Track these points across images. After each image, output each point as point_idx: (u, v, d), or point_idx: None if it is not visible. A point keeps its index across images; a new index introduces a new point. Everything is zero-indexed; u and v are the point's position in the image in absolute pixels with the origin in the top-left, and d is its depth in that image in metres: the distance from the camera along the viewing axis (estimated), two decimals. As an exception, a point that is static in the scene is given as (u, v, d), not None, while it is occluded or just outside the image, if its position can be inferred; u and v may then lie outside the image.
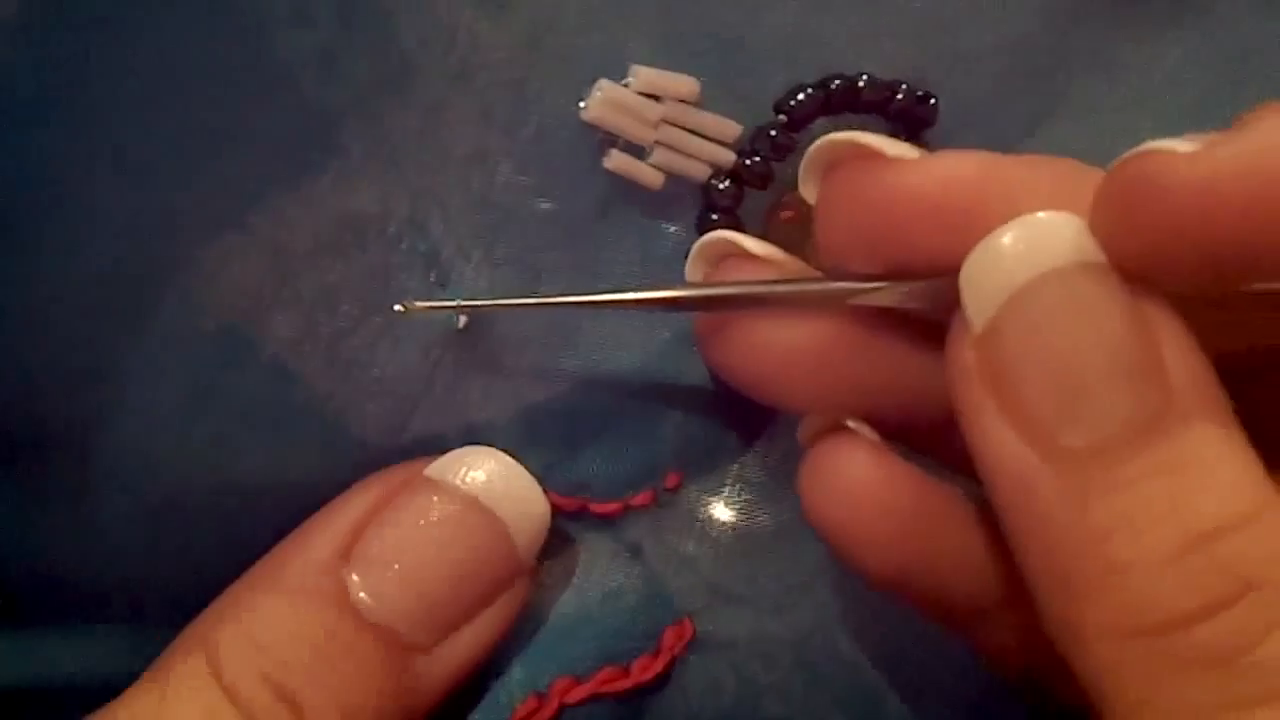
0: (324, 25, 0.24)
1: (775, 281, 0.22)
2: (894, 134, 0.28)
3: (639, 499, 0.28)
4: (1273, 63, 0.29)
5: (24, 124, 0.23)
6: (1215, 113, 0.28)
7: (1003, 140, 0.28)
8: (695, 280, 0.24)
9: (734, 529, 0.28)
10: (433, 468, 0.24)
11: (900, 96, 0.27)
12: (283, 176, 0.24)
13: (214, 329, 0.25)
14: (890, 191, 0.20)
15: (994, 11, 0.28)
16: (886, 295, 0.21)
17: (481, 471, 0.24)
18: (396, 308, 0.24)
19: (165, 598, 0.24)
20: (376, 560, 0.23)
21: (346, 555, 0.23)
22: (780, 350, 0.22)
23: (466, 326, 0.26)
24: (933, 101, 0.28)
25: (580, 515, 0.27)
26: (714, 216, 0.27)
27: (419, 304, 0.24)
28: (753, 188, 0.27)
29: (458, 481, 0.24)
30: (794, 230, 0.28)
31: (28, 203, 0.23)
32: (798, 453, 0.28)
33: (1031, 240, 0.18)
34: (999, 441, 0.18)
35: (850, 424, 0.22)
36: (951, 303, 0.20)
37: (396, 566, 0.23)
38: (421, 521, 0.23)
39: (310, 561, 0.23)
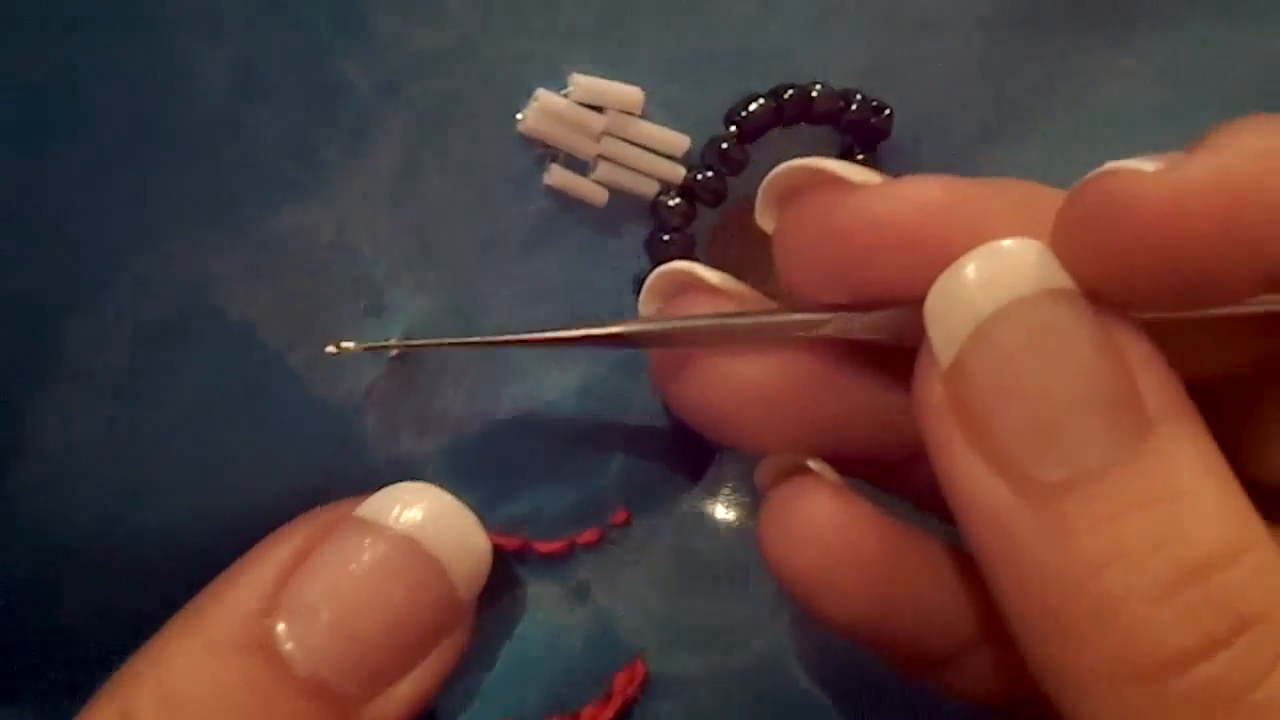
0: (240, 36, 0.22)
1: (734, 315, 0.21)
2: (848, 146, 0.27)
3: (585, 536, 0.26)
4: (1226, 74, 0.29)
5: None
6: (1170, 124, 0.28)
7: (956, 152, 0.28)
8: (649, 314, 0.23)
9: (683, 564, 0.27)
10: (363, 507, 0.23)
11: (854, 107, 0.26)
12: (200, 198, 0.22)
13: (126, 365, 0.23)
14: (855, 219, 0.19)
15: (947, 20, 0.27)
16: (850, 325, 0.20)
17: (416, 509, 0.22)
18: (329, 349, 0.23)
19: (71, 657, 0.23)
20: (305, 608, 0.21)
21: (272, 603, 0.22)
22: (741, 387, 0.21)
23: (400, 355, 0.24)
24: (887, 113, 0.27)
25: (523, 554, 0.26)
26: (665, 237, 0.25)
27: (350, 345, 0.23)
28: (705, 205, 0.25)
29: (390, 521, 0.22)
30: (747, 250, 0.26)
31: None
32: (748, 486, 0.27)
33: (995, 269, 0.18)
34: (971, 478, 0.18)
35: (812, 465, 0.21)
36: (917, 332, 0.19)
37: (326, 614, 0.21)
38: (353, 565, 0.22)
39: (233, 611, 0.22)
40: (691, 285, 0.22)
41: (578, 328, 0.22)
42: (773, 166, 0.25)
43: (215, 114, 0.22)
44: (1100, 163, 0.17)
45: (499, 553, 0.24)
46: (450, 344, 0.24)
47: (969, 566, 0.21)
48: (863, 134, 0.27)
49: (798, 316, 0.21)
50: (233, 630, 0.21)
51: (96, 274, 0.22)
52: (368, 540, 0.22)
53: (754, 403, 0.21)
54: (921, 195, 0.19)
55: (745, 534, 0.27)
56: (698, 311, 0.22)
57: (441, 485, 0.23)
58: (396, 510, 0.22)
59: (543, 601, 0.26)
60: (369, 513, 0.23)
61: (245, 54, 0.22)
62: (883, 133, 0.27)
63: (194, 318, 0.23)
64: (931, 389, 0.18)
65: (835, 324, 0.20)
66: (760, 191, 0.21)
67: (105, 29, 0.22)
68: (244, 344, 0.23)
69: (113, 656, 0.22)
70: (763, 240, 0.26)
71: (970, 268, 0.18)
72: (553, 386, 0.25)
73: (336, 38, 0.23)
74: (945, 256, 0.18)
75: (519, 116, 0.24)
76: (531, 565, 0.26)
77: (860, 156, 0.27)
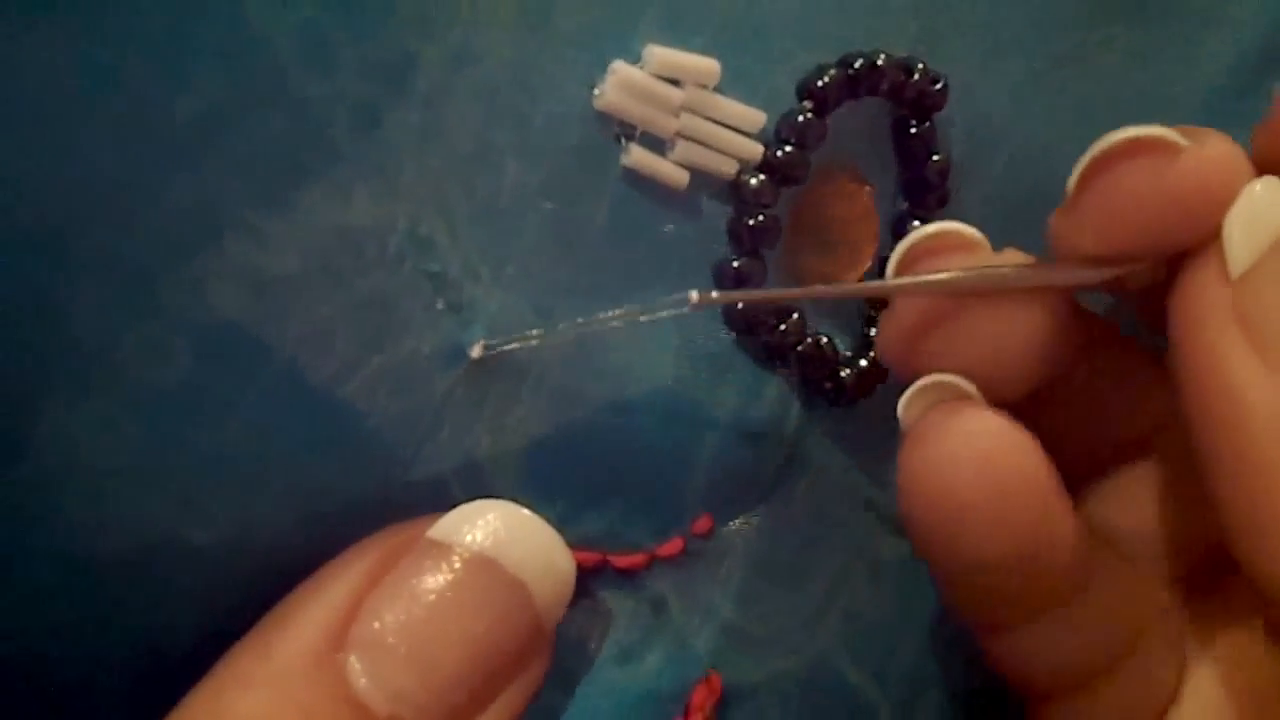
0: (304, 7, 0.19)
1: (1035, 267, 0.21)
2: (903, 118, 0.26)
3: (666, 548, 0.25)
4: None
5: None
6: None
7: (987, 115, 0.27)
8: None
9: (756, 570, 0.26)
10: (438, 527, 0.21)
11: (915, 78, 0.25)
12: (262, 188, 0.20)
13: (178, 378, 0.20)
14: (1186, 180, 0.20)
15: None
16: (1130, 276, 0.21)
17: (495, 528, 0.20)
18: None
19: (116, 691, 0.20)
20: (379, 640, 0.19)
21: (342, 636, 0.19)
22: (1011, 338, 0.21)
23: (479, 359, 0.22)
24: (941, 84, 0.26)
25: (600, 570, 0.24)
26: (750, 221, 0.23)
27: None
28: (789, 184, 0.24)
29: (468, 541, 0.20)
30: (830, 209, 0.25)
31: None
32: (825, 481, 0.26)
33: None
34: (1245, 382, 0.19)
35: (967, 388, 0.21)
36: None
37: (403, 647, 0.19)
38: (431, 591, 0.20)
39: (299, 645, 0.19)
40: (948, 245, 0.22)
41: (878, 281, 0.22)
42: (833, 136, 0.25)
43: (280, 90, 0.20)
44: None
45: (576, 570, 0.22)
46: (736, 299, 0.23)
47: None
48: (918, 105, 0.26)
49: (1080, 273, 0.21)
50: (302, 664, 0.19)
51: (147, 276, 0.19)
52: (444, 563, 0.20)
53: (1013, 354, 0.21)
54: (1229, 147, 0.20)
55: (813, 531, 0.26)
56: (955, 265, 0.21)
57: (518, 498, 0.21)
58: (474, 529, 0.20)
59: (618, 615, 0.24)
60: (444, 533, 0.20)
61: (312, 20, 0.19)
62: (937, 105, 0.26)
63: (258, 323, 0.20)
64: (1215, 293, 0.19)
65: (1113, 276, 0.21)
66: (1084, 161, 0.21)
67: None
68: (312, 353, 0.20)
69: (159, 690, 0.19)
70: (846, 225, 0.25)
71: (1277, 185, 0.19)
72: (636, 392, 0.23)
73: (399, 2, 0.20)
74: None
75: (595, 91, 0.22)
76: (607, 577, 0.24)
77: (914, 130, 0.26)
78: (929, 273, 0.21)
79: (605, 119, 0.22)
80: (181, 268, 0.19)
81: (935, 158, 0.26)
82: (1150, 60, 0.28)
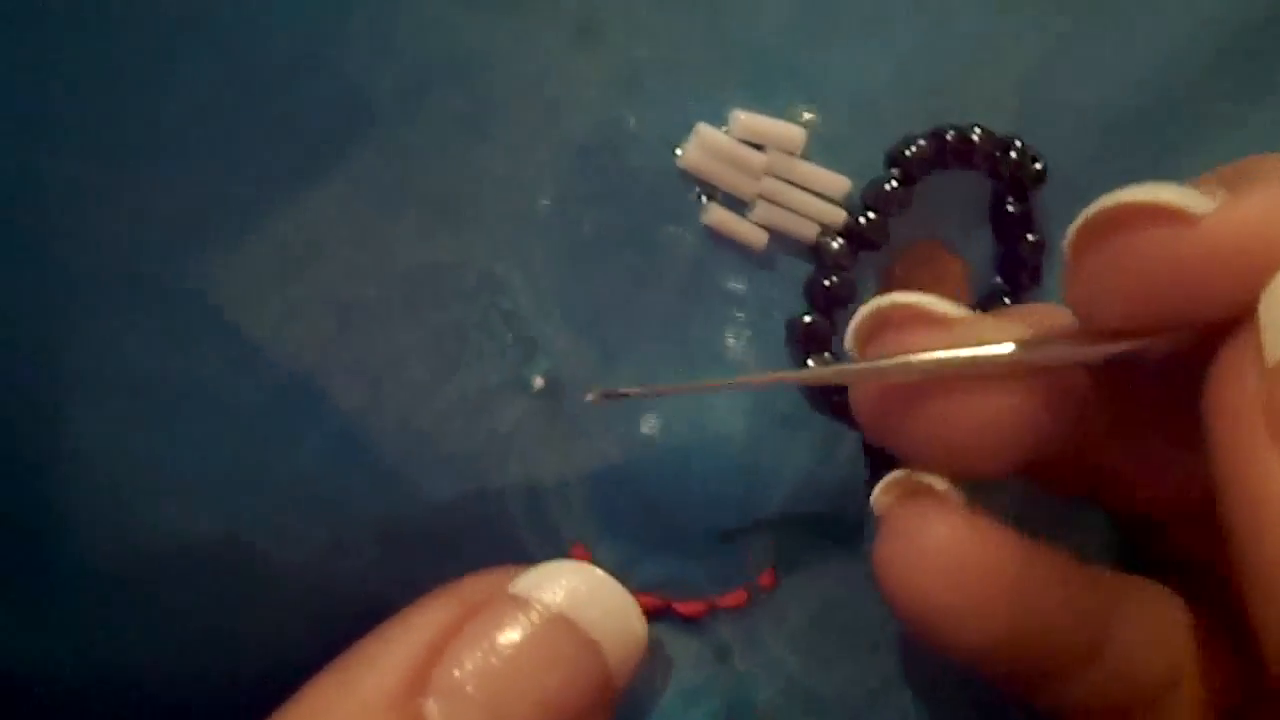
0: (406, 53, 0.21)
1: (1025, 345, 0.20)
2: (1000, 197, 0.26)
3: (729, 599, 0.25)
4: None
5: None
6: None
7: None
8: (854, 349, 0.22)
9: (824, 627, 0.26)
10: (519, 583, 0.21)
11: (1014, 155, 0.25)
12: (352, 223, 0.21)
13: (263, 400, 0.21)
14: (1199, 249, 0.18)
15: (1105, 64, 0.26)
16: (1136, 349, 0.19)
17: (575, 588, 0.21)
18: (589, 398, 0.22)
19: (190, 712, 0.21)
20: (458, 688, 0.20)
21: (422, 680, 0.20)
22: (990, 418, 0.20)
23: (542, 390, 0.23)
24: (1041, 166, 0.26)
25: (663, 615, 0.24)
26: (826, 281, 0.24)
27: (603, 392, 0.22)
28: (868, 248, 0.24)
29: (548, 600, 0.21)
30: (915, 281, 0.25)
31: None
32: None
33: None
34: (1272, 479, 0.17)
35: (935, 484, 0.21)
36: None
37: (481, 696, 0.20)
38: (509, 644, 0.20)
39: (380, 685, 0.20)
40: (911, 316, 0.21)
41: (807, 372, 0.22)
42: (925, 208, 0.25)
43: (373, 133, 0.21)
44: None
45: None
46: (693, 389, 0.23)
47: (1095, 577, 0.21)
48: (1016, 183, 0.26)
49: (1084, 349, 0.20)
50: (382, 703, 0.20)
51: (234, 302, 0.21)
52: (523, 618, 0.21)
53: (997, 432, 0.20)
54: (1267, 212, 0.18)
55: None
56: (920, 343, 0.21)
57: (582, 539, 0.23)
58: (554, 588, 0.21)
59: (680, 662, 0.24)
60: (525, 589, 0.21)
61: (409, 72, 0.21)
62: (1035, 184, 0.26)
63: (340, 349, 0.21)
64: (1244, 383, 0.17)
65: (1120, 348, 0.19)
66: (1081, 221, 0.19)
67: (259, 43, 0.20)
68: (390, 379, 0.22)
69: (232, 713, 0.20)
70: (927, 287, 0.25)
71: None
72: (707, 439, 0.24)
73: (504, 53, 0.22)
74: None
75: (678, 151, 0.23)
76: (670, 621, 0.24)
77: (1012, 208, 0.26)
78: (887, 356, 0.21)
79: (688, 177, 0.23)
80: (272, 296, 0.21)
81: (1031, 237, 0.26)
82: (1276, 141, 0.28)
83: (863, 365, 0.21)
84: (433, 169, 0.22)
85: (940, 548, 0.20)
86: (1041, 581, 0.20)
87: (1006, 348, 0.20)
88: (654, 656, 0.24)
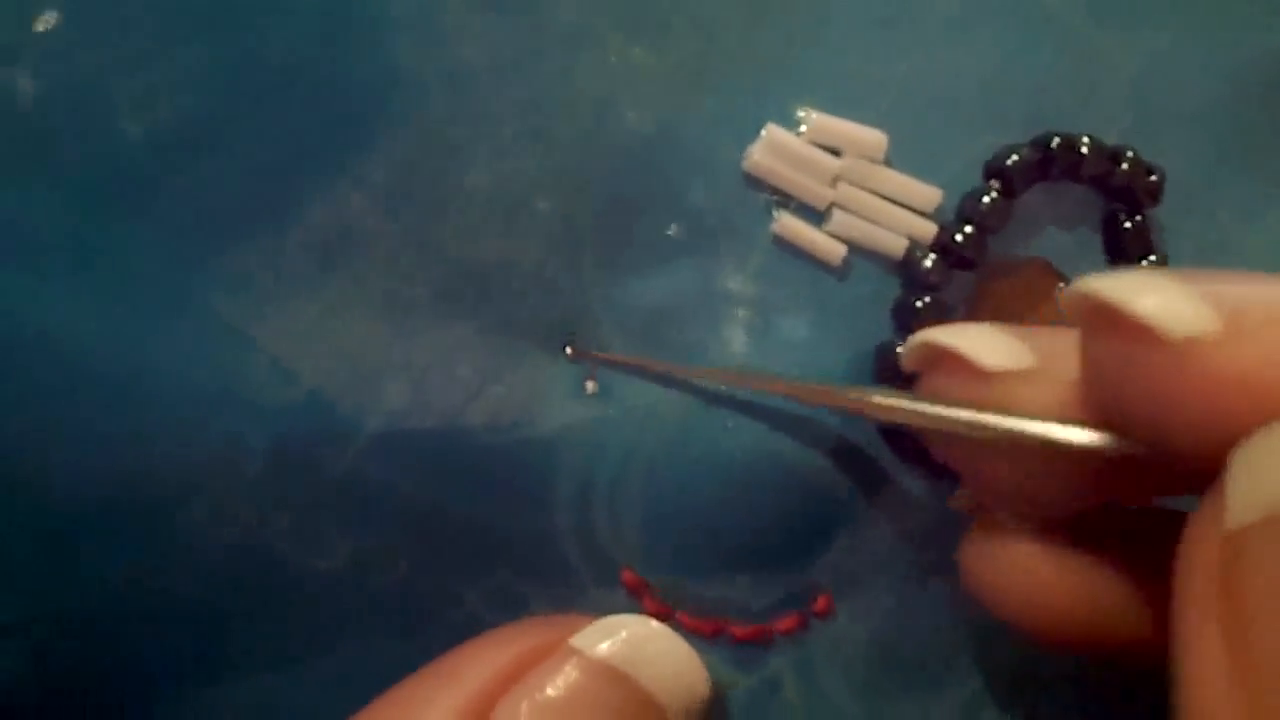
0: (452, 43, 0.20)
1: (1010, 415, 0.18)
2: (1113, 212, 0.23)
3: (784, 623, 0.23)
4: None
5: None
6: None
7: (1223, 220, 0.24)
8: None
9: (881, 661, 0.24)
10: (581, 636, 0.20)
11: (1125, 166, 0.23)
12: (400, 220, 0.20)
13: (303, 398, 0.20)
14: (1185, 381, 0.15)
15: (1220, 75, 0.23)
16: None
17: (639, 647, 0.20)
18: (566, 351, 0.21)
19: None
20: None
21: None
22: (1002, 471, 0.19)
23: (594, 393, 0.21)
24: (1155, 177, 0.23)
25: (718, 638, 0.23)
26: (918, 302, 0.21)
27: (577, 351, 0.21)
28: (962, 268, 0.22)
29: (609, 654, 0.20)
30: (1015, 304, 0.23)
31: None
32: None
33: None
34: (1206, 659, 0.14)
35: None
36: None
37: None
38: (567, 700, 0.19)
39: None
40: (949, 362, 0.19)
41: (815, 387, 0.20)
42: (1025, 222, 0.22)
43: (424, 125, 0.20)
44: None
45: (693, 635, 0.22)
46: (667, 371, 0.22)
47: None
48: (1129, 197, 0.23)
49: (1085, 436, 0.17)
50: None
51: (280, 296, 0.20)
52: (582, 674, 0.20)
53: (1018, 481, 0.19)
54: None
55: (944, 631, 0.24)
56: (959, 394, 0.19)
57: (634, 558, 0.22)
58: (615, 642, 0.20)
59: (736, 692, 0.23)
60: (587, 644, 0.20)
61: (459, 64, 0.20)
62: (1152, 198, 0.23)
63: (382, 346, 0.20)
64: (1204, 545, 0.15)
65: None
66: (1069, 295, 0.17)
67: (318, 24, 0.20)
68: (438, 375, 0.21)
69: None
70: (1020, 307, 0.23)
71: None
72: (761, 458, 0.22)
73: (557, 47, 0.20)
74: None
75: (745, 153, 0.21)
76: (724, 651, 0.23)
77: (1127, 224, 0.23)
78: (913, 397, 0.19)
79: (758, 185, 0.21)
80: (320, 287, 0.20)
81: (1151, 257, 0.23)
82: None
83: (867, 402, 0.19)
84: (479, 167, 0.20)
85: (1015, 579, 0.19)
86: (1109, 578, 0.19)
87: (1026, 424, 0.17)
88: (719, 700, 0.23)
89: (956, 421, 0.18)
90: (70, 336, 0.20)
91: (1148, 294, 0.16)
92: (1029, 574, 0.19)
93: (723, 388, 0.21)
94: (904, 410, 0.19)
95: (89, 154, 0.19)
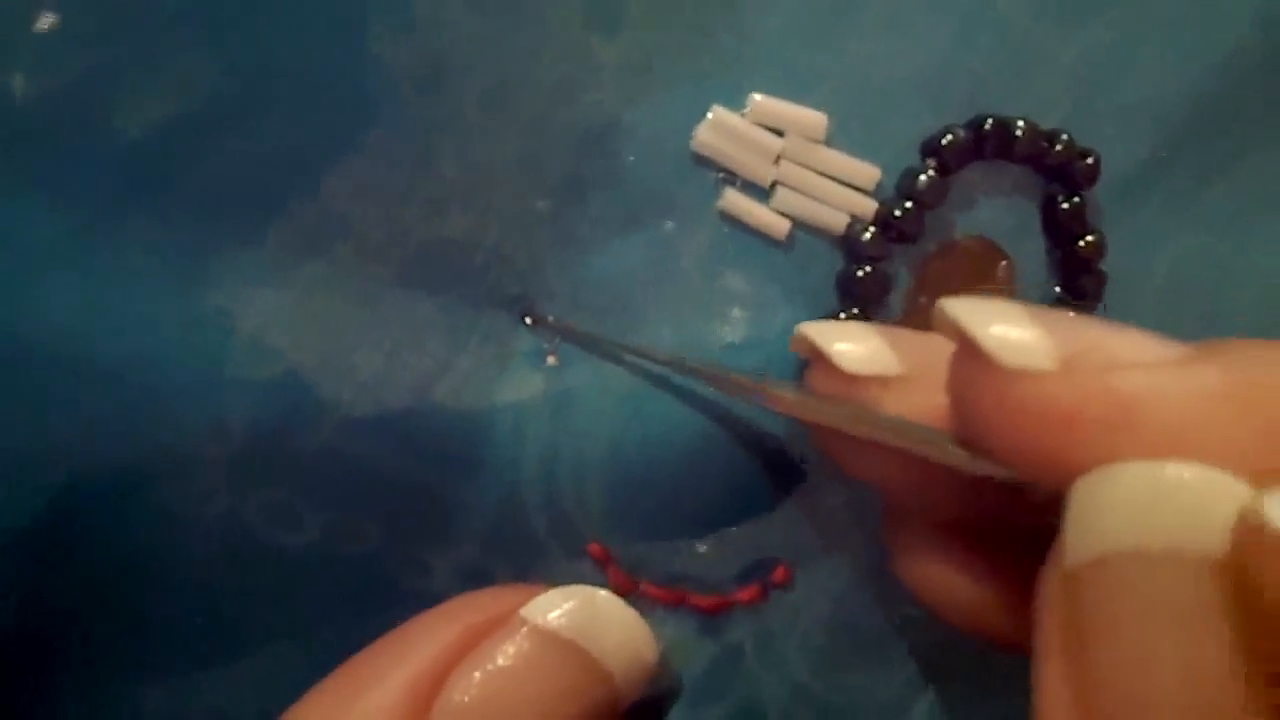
0: (423, 31, 0.21)
1: (883, 420, 0.20)
2: (1051, 192, 0.25)
3: (744, 594, 0.24)
4: None
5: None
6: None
7: (1163, 205, 0.26)
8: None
9: (836, 630, 0.25)
10: (531, 607, 0.20)
11: (1058, 148, 0.24)
12: (369, 198, 0.22)
13: (281, 377, 0.22)
14: (1006, 408, 0.17)
15: (1158, 66, 0.25)
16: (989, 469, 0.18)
17: (587, 616, 0.20)
18: (526, 320, 0.22)
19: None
20: (466, 713, 0.19)
21: (424, 704, 0.19)
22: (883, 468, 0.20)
23: (555, 365, 0.23)
24: (1091, 159, 0.24)
25: (679, 608, 0.24)
26: (859, 272, 0.23)
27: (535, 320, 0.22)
28: (900, 241, 0.23)
29: (559, 625, 0.20)
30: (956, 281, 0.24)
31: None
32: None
33: (1170, 499, 0.14)
34: (1050, 689, 0.15)
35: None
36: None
37: None
38: (517, 671, 0.20)
39: (382, 704, 0.19)
40: (823, 360, 0.21)
41: (721, 371, 0.21)
42: (967, 202, 0.24)
43: (393, 108, 0.21)
44: None
45: (656, 605, 0.23)
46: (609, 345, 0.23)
47: None
48: (1066, 179, 0.24)
49: (938, 448, 0.18)
50: None
51: (252, 276, 0.21)
52: (532, 645, 0.20)
53: (902, 479, 0.20)
54: (1113, 387, 0.15)
55: (902, 602, 0.25)
56: (833, 390, 0.20)
57: (600, 532, 0.23)
58: (565, 614, 0.20)
59: (692, 661, 0.24)
60: (536, 615, 0.20)
61: (426, 49, 0.21)
62: (1088, 180, 0.24)
63: (356, 323, 0.22)
64: (1051, 580, 0.16)
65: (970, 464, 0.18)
66: (936, 312, 0.18)
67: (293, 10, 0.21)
68: (408, 349, 0.22)
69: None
70: (963, 282, 0.24)
71: (1140, 479, 0.15)
72: (722, 434, 0.23)
73: (524, 34, 0.22)
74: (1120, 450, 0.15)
75: (693, 133, 0.23)
76: (687, 621, 0.24)
77: (1064, 204, 0.25)
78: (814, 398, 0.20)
79: (707, 164, 0.23)
80: (296, 270, 0.21)
81: (1089, 238, 0.25)
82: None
83: (764, 391, 0.21)
84: (444, 145, 0.22)
85: (929, 583, 0.21)
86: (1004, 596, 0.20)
87: (888, 424, 0.19)
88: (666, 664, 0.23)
89: (831, 416, 0.19)
90: (57, 326, 0.20)
91: (996, 322, 0.17)
92: (933, 564, 0.20)
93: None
94: (788, 402, 0.20)
95: (83, 152, 0.20)
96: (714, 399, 0.23)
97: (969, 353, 0.17)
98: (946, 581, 0.21)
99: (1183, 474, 0.14)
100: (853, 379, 0.20)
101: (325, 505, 0.22)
